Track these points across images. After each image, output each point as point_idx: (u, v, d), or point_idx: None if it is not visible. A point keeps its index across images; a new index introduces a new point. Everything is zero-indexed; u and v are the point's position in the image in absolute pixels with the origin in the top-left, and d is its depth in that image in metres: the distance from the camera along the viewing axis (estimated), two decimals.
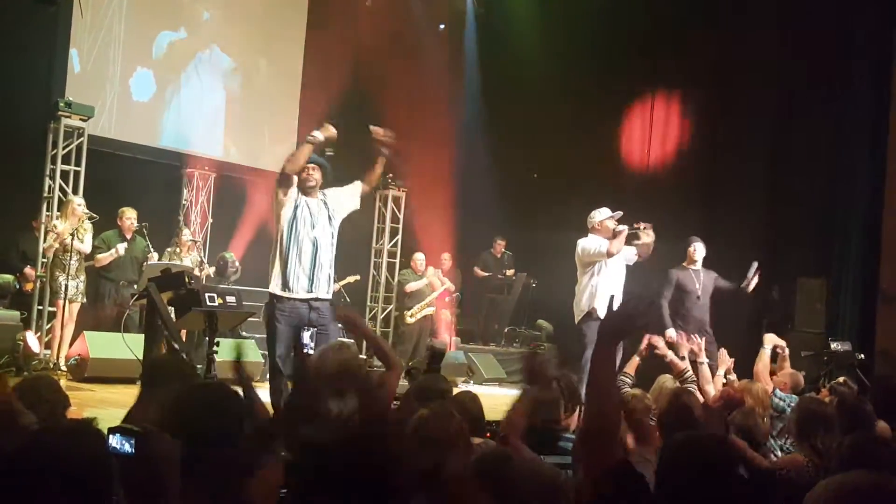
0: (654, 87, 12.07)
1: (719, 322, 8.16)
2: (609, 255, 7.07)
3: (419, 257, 11.59)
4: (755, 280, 7.89)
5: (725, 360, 5.92)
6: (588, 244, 7.23)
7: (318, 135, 5.72)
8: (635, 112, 12.29)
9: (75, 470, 1.71)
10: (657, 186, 11.62)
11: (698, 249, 8.09)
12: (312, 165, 5.90)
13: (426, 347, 4.01)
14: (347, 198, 6.12)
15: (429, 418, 2.81)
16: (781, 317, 10.09)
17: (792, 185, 10.52)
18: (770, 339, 6.21)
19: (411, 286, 11.35)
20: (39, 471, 1.70)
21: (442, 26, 14.19)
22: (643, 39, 11.74)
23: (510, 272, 12.95)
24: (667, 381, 5.13)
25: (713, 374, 5.60)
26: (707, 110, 11.54)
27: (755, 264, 7.88)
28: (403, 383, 4.32)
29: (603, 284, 7.10)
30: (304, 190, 5.88)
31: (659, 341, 5.32)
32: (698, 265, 8.12)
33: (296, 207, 5.81)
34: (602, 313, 6.95)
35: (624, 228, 7.13)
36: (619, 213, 7.31)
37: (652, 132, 12.04)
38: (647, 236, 7.21)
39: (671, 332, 7.32)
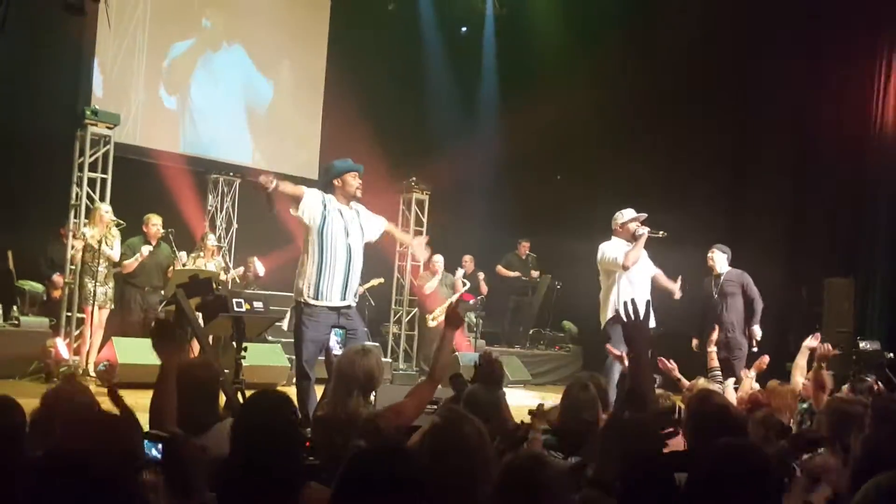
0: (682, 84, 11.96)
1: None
2: (624, 267, 6.99)
3: (437, 259, 11.59)
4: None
5: (763, 363, 5.84)
6: (607, 251, 7.15)
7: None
8: (666, 111, 12.16)
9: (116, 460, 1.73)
10: (684, 191, 11.51)
11: (714, 255, 8.08)
12: (354, 173, 5.92)
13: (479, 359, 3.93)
14: (375, 227, 6.17)
15: (443, 426, 2.77)
16: (809, 317, 10.00)
17: (818, 186, 10.43)
18: (809, 344, 6.12)
19: (428, 286, 11.38)
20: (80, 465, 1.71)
21: (464, 29, 14.22)
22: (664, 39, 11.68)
23: (535, 274, 12.92)
24: (700, 382, 5.10)
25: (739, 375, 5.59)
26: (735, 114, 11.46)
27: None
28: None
29: (626, 290, 7.00)
30: (347, 197, 5.87)
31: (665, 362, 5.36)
32: (719, 270, 8.07)
33: (325, 216, 5.80)
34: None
35: (644, 232, 7.05)
36: (644, 216, 7.23)
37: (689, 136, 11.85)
38: (678, 290, 7.21)
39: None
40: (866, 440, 2.92)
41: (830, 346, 5.58)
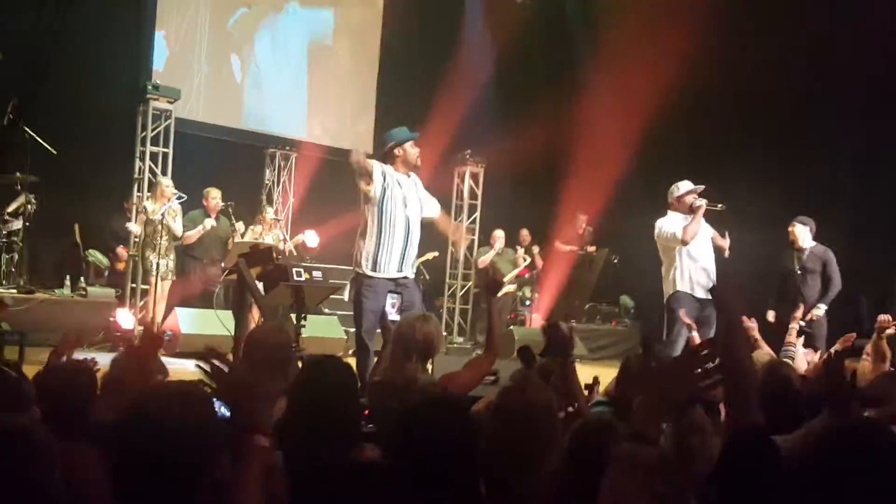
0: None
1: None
2: (683, 242, 6.86)
3: (498, 234, 11.63)
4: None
5: (848, 339, 5.72)
6: (664, 226, 7.02)
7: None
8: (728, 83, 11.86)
9: (184, 430, 1.77)
10: (745, 163, 11.25)
11: (796, 229, 7.92)
12: (412, 141, 5.95)
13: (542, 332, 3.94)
14: (432, 206, 6.21)
15: (512, 389, 2.80)
16: (882, 294, 9.73)
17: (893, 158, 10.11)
18: (880, 321, 5.98)
19: (482, 259, 11.43)
20: (151, 431, 1.76)
21: None
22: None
23: (591, 248, 12.84)
24: (761, 356, 5.05)
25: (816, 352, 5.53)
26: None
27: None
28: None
29: (688, 263, 6.94)
30: (407, 167, 5.92)
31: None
32: (802, 244, 7.92)
33: (385, 187, 5.83)
34: (693, 292, 6.86)
35: (702, 204, 6.87)
36: (701, 188, 7.05)
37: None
38: (724, 243, 7.05)
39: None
40: None
41: (890, 318, 5.47)
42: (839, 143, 10.33)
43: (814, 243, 7.94)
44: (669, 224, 7.01)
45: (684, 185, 7.11)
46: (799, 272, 7.85)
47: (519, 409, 2.48)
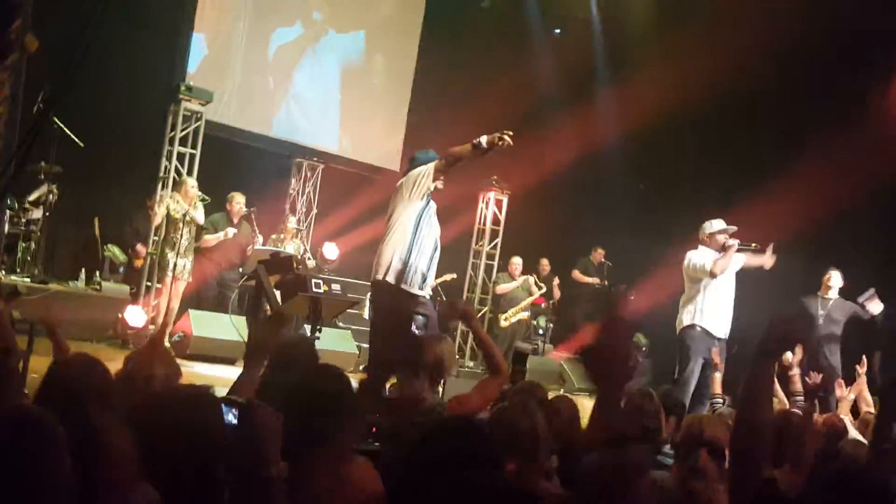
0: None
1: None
2: (712, 275, 6.91)
3: (516, 261, 11.57)
4: (873, 302, 7.65)
5: (861, 386, 5.71)
6: (695, 258, 7.08)
7: (483, 140, 5.60)
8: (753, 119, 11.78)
9: (192, 432, 1.72)
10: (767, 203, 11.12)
11: (833, 278, 7.94)
12: None
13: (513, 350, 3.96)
14: None
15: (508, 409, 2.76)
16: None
17: None
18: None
19: (502, 287, 11.37)
20: (159, 432, 1.72)
21: (557, 31, 14.08)
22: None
23: (607, 283, 12.75)
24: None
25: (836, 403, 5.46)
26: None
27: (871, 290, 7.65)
28: None
29: (710, 298, 6.97)
30: (436, 189, 5.84)
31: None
32: (831, 294, 7.92)
33: (426, 205, 5.78)
34: (707, 326, 6.82)
35: (734, 244, 6.95)
36: (734, 229, 7.09)
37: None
38: (769, 260, 7.02)
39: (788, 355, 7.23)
40: None
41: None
42: None
43: (838, 296, 8.03)
44: (699, 256, 7.07)
45: (717, 224, 7.15)
46: (823, 321, 7.85)
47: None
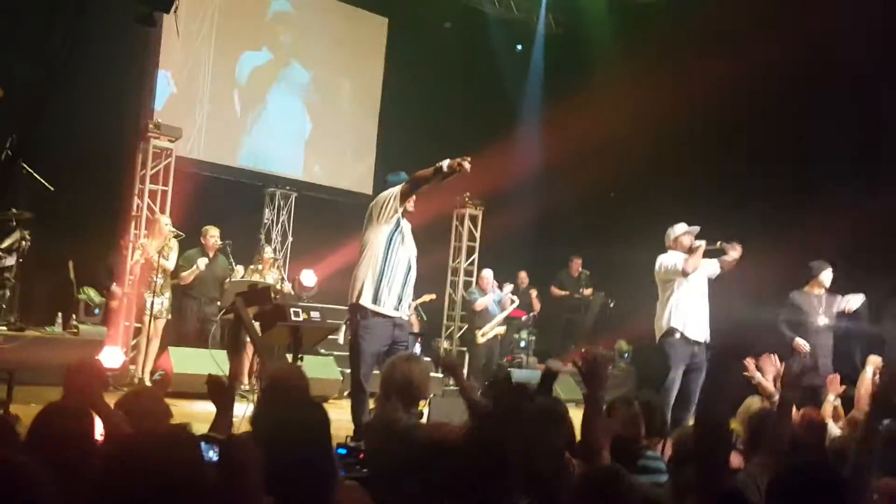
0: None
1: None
2: (684, 273, 6.93)
3: (486, 274, 11.54)
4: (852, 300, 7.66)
5: (836, 386, 5.71)
6: (666, 261, 7.11)
7: (445, 164, 5.64)
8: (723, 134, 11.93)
9: (172, 474, 1.73)
10: (739, 206, 11.25)
11: (826, 273, 7.88)
12: None
13: (544, 368, 3.91)
14: None
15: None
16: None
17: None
18: (872, 361, 6.00)
19: (480, 303, 11.33)
20: (138, 475, 1.72)
21: (519, 47, 14.21)
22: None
23: (587, 291, 12.81)
24: (754, 402, 5.00)
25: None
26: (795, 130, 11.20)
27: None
28: None
29: (684, 301, 6.99)
30: (406, 212, 5.89)
31: (750, 364, 5.25)
32: (822, 292, 7.90)
33: (397, 226, 5.82)
34: (685, 330, 6.86)
35: (701, 244, 6.99)
36: (696, 229, 7.16)
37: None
38: (734, 252, 7.07)
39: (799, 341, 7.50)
40: None
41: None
42: None
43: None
44: (669, 258, 7.10)
45: (679, 228, 7.21)
46: (819, 322, 7.84)
47: None
